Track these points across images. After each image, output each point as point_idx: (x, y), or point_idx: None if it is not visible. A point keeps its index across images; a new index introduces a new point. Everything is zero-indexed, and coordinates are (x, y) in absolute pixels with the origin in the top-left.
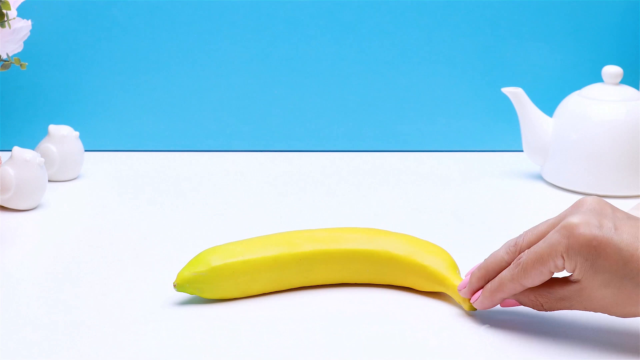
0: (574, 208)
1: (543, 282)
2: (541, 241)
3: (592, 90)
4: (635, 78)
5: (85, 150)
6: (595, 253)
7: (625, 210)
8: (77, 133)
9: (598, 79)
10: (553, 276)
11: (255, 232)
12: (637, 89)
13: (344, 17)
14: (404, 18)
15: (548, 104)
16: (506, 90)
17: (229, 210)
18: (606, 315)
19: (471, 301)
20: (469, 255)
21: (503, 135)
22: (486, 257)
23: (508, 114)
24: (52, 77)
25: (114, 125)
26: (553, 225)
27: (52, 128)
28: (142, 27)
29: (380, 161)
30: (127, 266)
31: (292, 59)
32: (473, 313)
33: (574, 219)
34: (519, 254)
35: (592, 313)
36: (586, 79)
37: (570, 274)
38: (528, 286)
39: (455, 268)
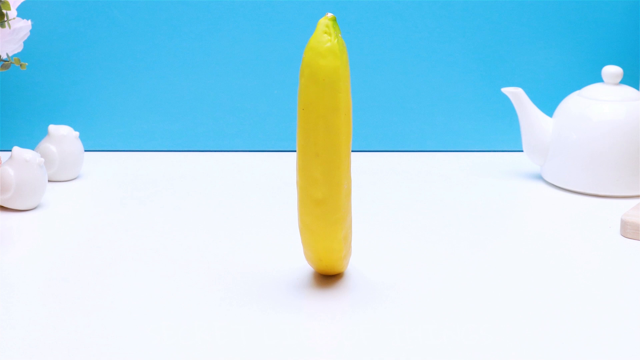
0: None
1: None
2: None
3: (592, 90)
4: (635, 78)
5: (85, 150)
6: None
7: (626, 210)
8: (77, 133)
9: (598, 79)
10: None
11: (255, 231)
12: (637, 89)
13: (344, 17)
14: (405, 18)
15: (548, 104)
16: (506, 90)
17: (229, 210)
18: (606, 315)
19: None
20: (469, 255)
21: (503, 135)
22: (485, 256)
23: (508, 114)
24: (52, 77)
25: (114, 125)
26: None
27: (52, 128)
28: (142, 27)
29: (380, 161)
30: (126, 266)
31: (292, 59)
32: None
33: None
34: None
35: (591, 312)
36: (586, 79)
37: None
38: None
39: None
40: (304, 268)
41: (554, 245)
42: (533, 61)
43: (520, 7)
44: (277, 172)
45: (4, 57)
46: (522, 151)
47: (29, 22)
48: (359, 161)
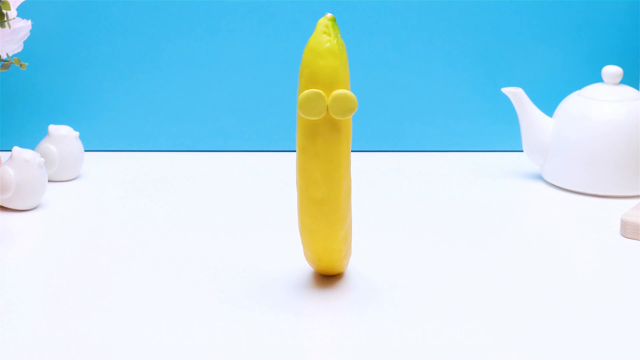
0: None
1: None
2: None
3: (592, 90)
4: (635, 78)
5: (85, 150)
6: None
7: (626, 210)
8: (77, 133)
9: (598, 79)
10: None
11: (255, 231)
12: (637, 89)
13: (344, 17)
14: (404, 18)
15: (548, 104)
16: (506, 90)
17: (229, 210)
18: (606, 315)
19: None
20: (469, 255)
21: (503, 135)
22: (485, 256)
23: (508, 114)
24: (52, 77)
25: (114, 125)
26: None
27: (52, 128)
28: (142, 27)
29: (380, 161)
30: (126, 266)
31: (292, 59)
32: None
33: None
34: None
35: (591, 312)
36: (586, 79)
37: None
38: None
39: None
40: (304, 268)
41: (554, 245)
42: (533, 61)
43: (520, 7)
44: (277, 172)
45: (4, 57)
46: (522, 151)
47: (29, 22)
48: (359, 161)
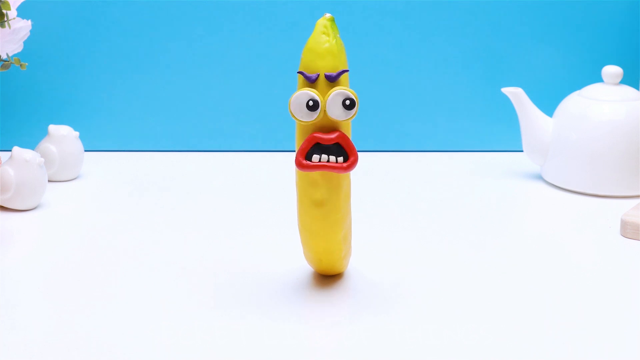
0: None
1: None
2: None
3: (592, 90)
4: (635, 78)
5: (85, 150)
6: None
7: (626, 210)
8: (77, 133)
9: (598, 79)
10: None
11: (255, 231)
12: (637, 89)
13: (344, 17)
14: (404, 18)
15: (548, 104)
16: (506, 90)
17: (229, 210)
18: (606, 315)
19: None
20: (469, 255)
21: (503, 135)
22: (485, 257)
23: (508, 114)
24: (52, 77)
25: (114, 125)
26: None
27: (52, 128)
28: (142, 27)
29: (381, 161)
30: (126, 266)
31: (292, 59)
32: None
33: None
34: None
35: (591, 313)
36: (586, 79)
37: None
38: None
39: None
40: (304, 268)
41: (554, 245)
42: (533, 61)
43: (520, 7)
44: (277, 172)
45: (4, 57)
46: (522, 151)
47: (29, 22)
48: (359, 161)
